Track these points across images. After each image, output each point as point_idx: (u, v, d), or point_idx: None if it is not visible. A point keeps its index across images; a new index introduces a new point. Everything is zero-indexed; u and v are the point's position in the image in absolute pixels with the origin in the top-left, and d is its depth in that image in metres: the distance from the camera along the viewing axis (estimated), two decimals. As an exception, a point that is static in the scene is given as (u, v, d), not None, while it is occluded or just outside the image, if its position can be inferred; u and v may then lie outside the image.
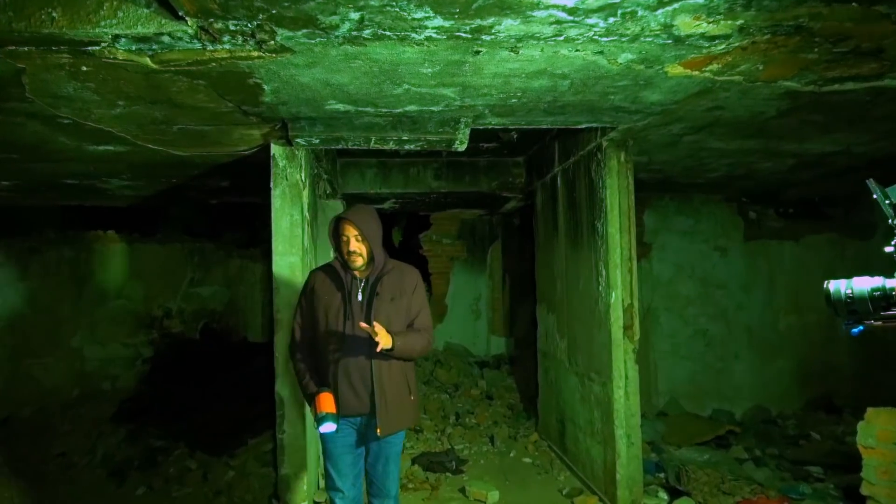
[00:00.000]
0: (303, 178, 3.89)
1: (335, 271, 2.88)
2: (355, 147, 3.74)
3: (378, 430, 2.73)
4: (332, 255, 2.96)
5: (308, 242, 4.04)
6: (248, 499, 4.41)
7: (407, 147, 3.75)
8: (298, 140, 3.60)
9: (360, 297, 2.82)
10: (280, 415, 3.79)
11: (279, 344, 3.80)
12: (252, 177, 5.09)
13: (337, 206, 5.03)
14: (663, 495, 4.34)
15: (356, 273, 2.85)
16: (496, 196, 6.65)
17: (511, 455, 5.48)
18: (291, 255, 3.83)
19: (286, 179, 3.87)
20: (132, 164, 4.36)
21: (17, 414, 6.02)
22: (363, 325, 2.61)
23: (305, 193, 3.93)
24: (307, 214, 4.00)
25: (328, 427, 2.69)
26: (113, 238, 6.54)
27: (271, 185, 3.88)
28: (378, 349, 2.61)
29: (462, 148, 3.78)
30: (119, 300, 6.41)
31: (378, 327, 2.61)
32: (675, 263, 6.74)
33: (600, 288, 4.16)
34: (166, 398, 5.98)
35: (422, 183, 6.18)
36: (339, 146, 3.72)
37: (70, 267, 6.27)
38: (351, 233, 2.80)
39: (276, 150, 3.85)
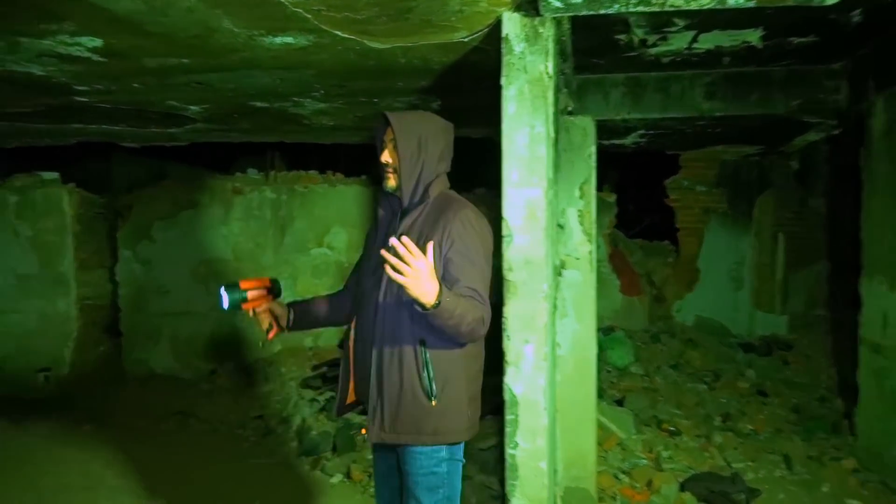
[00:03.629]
0: (549, 69, 2.56)
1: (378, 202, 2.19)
2: (640, 11, 2.32)
3: (363, 430, 2.21)
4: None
5: (552, 170, 2.72)
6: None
7: (733, 3, 2.25)
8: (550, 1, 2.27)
9: (383, 239, 2.03)
10: (511, 420, 2.59)
11: (512, 317, 2.57)
12: (469, 93, 3.90)
13: (586, 127, 3.64)
14: None
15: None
16: (791, 123, 4.79)
17: (823, 490, 3.79)
18: (530, 186, 2.54)
19: (524, 72, 2.56)
20: (322, 72, 3.37)
21: (223, 367, 5.62)
22: (405, 242, 1.70)
23: (550, 95, 2.60)
24: (551, 129, 2.67)
25: (222, 295, 2.11)
26: (314, 178, 5.83)
27: (502, 81, 2.60)
28: (405, 298, 1.79)
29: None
30: (320, 248, 5.72)
31: (409, 249, 1.69)
32: None
33: None
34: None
35: (687, 104, 4.52)
36: (615, 9, 2.33)
37: (272, 210, 5.67)
38: (387, 136, 2.05)
39: (510, 26, 2.55)
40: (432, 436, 1.98)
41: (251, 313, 2.19)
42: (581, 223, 3.65)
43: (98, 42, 2.86)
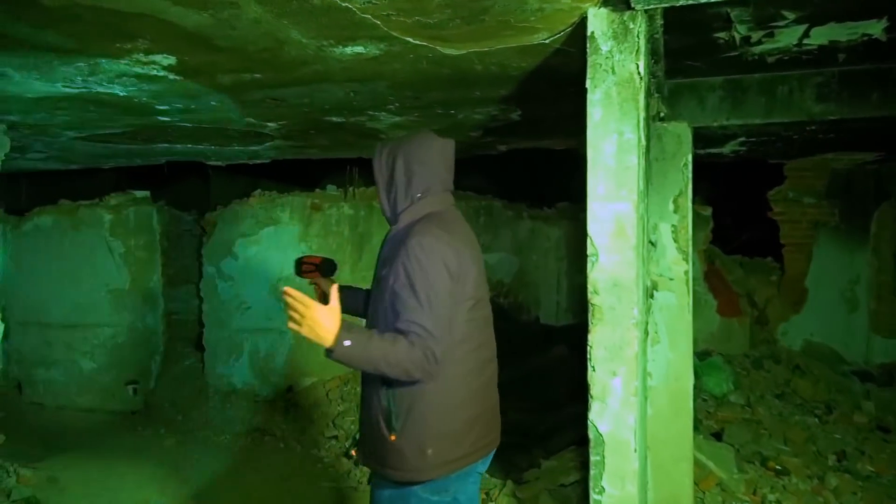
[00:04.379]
0: (640, 69, 2.30)
1: None
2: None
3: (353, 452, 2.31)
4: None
5: (643, 181, 2.45)
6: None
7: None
8: (641, -9, 2.03)
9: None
10: (596, 461, 2.31)
11: (598, 346, 2.31)
12: (551, 101, 3.66)
13: (680, 133, 3.33)
14: None
15: None
16: (919, 125, 4.26)
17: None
18: (619, 199, 2.28)
19: (612, 72, 2.31)
20: (395, 84, 3.23)
21: (299, 384, 5.59)
22: (289, 292, 1.83)
23: (641, 98, 2.33)
24: (642, 136, 2.40)
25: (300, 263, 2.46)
26: (392, 194, 5.73)
27: (587, 84, 2.36)
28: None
29: None
30: (398, 266, 5.60)
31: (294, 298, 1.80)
32: None
33: None
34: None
35: (795, 108, 4.08)
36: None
37: (350, 226, 5.62)
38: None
39: (596, 23, 2.31)
40: (393, 470, 1.95)
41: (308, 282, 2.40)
42: (675, 240, 3.32)
43: (172, 59, 2.84)
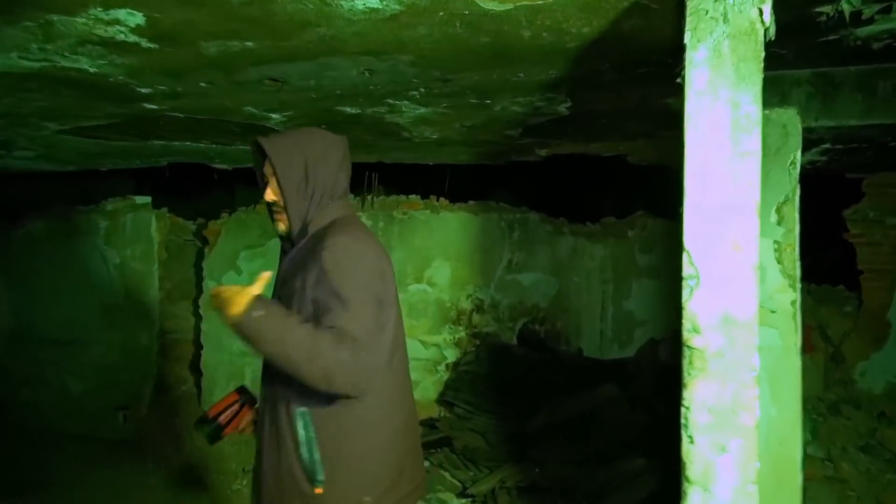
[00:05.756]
0: (764, 16, 1.63)
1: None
2: None
3: None
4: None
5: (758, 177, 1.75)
6: None
7: None
8: None
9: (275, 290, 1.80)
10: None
11: (698, 406, 1.62)
12: (610, 88, 3.01)
13: (787, 123, 2.64)
14: None
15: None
16: None
17: None
18: (734, 199, 1.60)
19: (724, 20, 1.64)
20: (421, 59, 2.61)
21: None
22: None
23: (762, 57, 1.66)
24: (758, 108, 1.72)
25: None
26: (415, 203, 5.10)
27: (686, 39, 1.69)
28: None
29: None
30: (419, 284, 4.95)
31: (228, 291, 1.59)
32: None
33: None
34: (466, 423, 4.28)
35: (901, 106, 3.40)
36: None
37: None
38: (266, 169, 1.77)
39: (702, -49, 1.65)
40: None
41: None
42: (779, 260, 2.61)
43: (139, 18, 2.25)
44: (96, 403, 5.40)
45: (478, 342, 4.99)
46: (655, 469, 3.36)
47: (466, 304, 5.06)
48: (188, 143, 4.45)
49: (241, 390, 1.95)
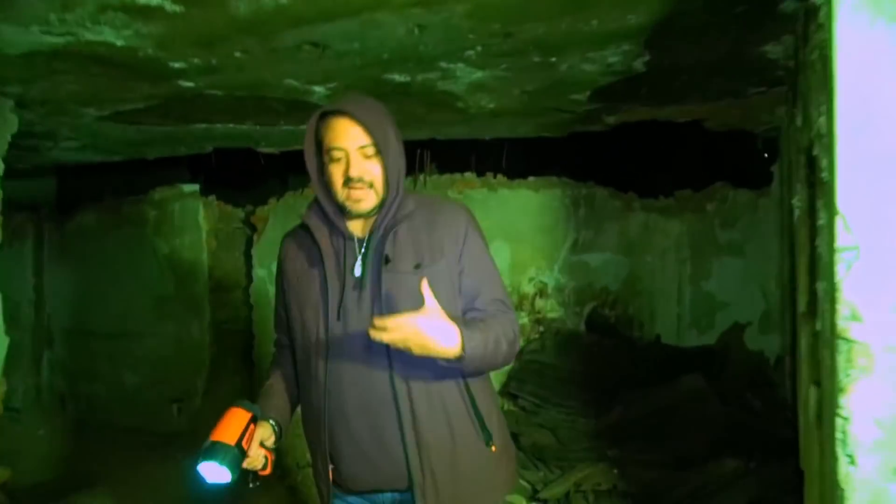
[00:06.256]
0: None
1: (308, 231, 1.61)
2: None
3: None
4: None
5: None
6: None
7: None
8: None
9: (357, 271, 1.55)
10: None
11: (863, 415, 1.24)
12: (695, 38, 2.60)
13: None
14: None
15: (351, 227, 1.58)
16: None
17: None
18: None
19: None
20: (477, 8, 2.26)
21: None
22: (378, 324, 1.33)
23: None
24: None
25: (211, 471, 1.39)
26: (471, 181, 4.75)
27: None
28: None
29: None
30: (478, 268, 4.63)
31: (403, 321, 1.33)
32: None
33: None
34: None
35: None
36: None
37: (421, 222, 4.68)
38: (349, 141, 1.49)
39: None
40: (497, 492, 1.66)
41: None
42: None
43: (159, -27, 1.98)
44: (151, 396, 5.31)
45: (542, 329, 4.63)
46: (753, 473, 2.96)
47: (529, 288, 4.70)
48: (231, 126, 4.22)
49: (250, 407, 1.56)
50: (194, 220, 5.25)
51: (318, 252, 1.57)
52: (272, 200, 5.08)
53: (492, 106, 3.71)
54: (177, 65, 2.90)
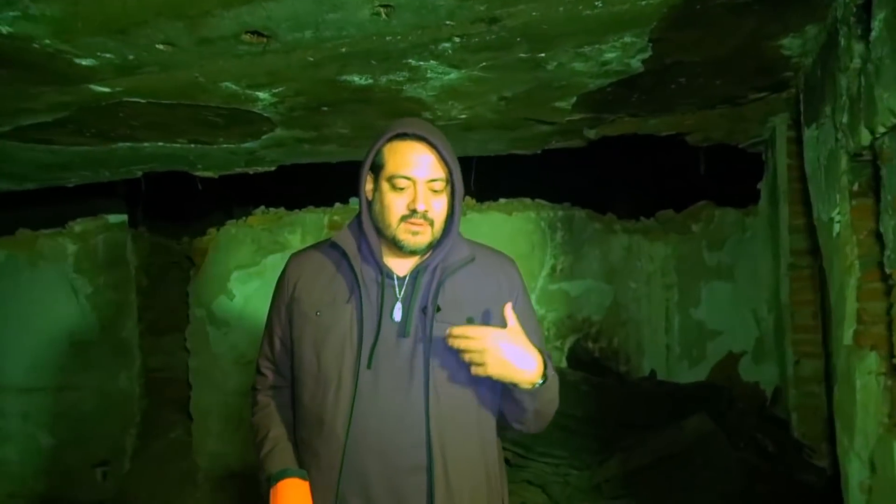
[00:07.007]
0: None
1: (344, 257, 1.47)
2: None
3: None
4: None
5: None
6: None
7: None
8: None
9: (397, 315, 1.43)
10: None
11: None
12: (717, 24, 2.23)
13: None
14: None
15: (390, 263, 1.48)
16: None
17: None
18: None
19: None
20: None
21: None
22: (456, 332, 1.31)
23: None
24: None
25: None
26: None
27: None
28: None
29: None
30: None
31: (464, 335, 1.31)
32: None
33: None
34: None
35: None
36: None
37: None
38: (420, 171, 1.40)
39: None
40: None
41: None
42: None
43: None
44: (71, 459, 4.59)
45: (519, 366, 4.17)
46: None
47: (502, 322, 4.25)
48: (160, 144, 3.67)
49: (301, 475, 1.42)
50: (121, 255, 4.62)
51: (355, 284, 1.43)
52: (212, 231, 4.50)
53: (463, 116, 3.28)
54: (84, 62, 2.37)
